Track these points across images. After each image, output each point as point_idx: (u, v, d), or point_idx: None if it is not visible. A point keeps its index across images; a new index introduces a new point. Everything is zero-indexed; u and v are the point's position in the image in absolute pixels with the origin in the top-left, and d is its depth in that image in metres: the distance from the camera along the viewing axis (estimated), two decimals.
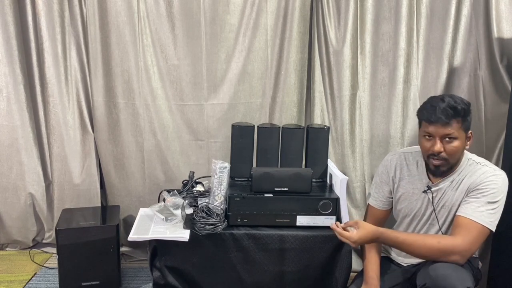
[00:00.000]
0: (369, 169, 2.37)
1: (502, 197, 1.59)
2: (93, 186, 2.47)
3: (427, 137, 1.62)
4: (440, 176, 1.68)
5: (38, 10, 2.30)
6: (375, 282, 1.73)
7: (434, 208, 1.71)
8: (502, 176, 1.61)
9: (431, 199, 1.71)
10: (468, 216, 1.57)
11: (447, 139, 1.58)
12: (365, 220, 1.92)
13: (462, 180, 1.66)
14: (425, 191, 1.72)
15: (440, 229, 1.71)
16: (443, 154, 1.59)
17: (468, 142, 1.65)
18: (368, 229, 1.58)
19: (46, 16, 2.31)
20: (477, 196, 1.59)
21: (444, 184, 1.69)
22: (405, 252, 1.62)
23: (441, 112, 1.55)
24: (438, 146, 1.58)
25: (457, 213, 1.62)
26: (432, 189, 1.70)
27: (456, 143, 1.58)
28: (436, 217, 1.71)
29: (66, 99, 2.42)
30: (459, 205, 1.64)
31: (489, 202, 1.56)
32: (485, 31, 2.20)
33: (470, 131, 1.64)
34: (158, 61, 2.35)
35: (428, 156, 1.64)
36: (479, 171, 1.63)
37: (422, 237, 1.62)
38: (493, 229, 1.57)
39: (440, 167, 1.63)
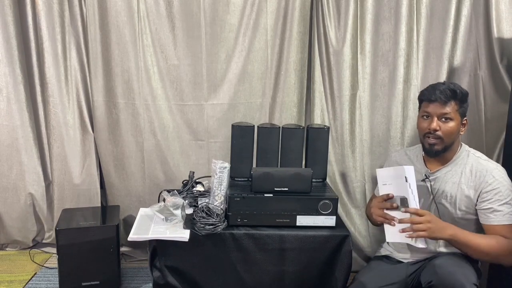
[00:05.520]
0: (369, 169, 2.36)
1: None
2: (93, 186, 2.48)
3: (425, 117, 1.73)
4: (433, 156, 1.75)
5: (38, 10, 2.30)
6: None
7: (434, 197, 1.75)
8: (504, 171, 1.69)
9: (429, 187, 1.76)
10: (501, 223, 1.62)
11: (443, 119, 1.68)
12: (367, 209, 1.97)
13: (462, 170, 1.71)
14: (423, 180, 1.77)
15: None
16: (439, 132, 1.68)
17: (463, 129, 1.73)
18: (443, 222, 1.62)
19: (46, 16, 2.31)
20: (497, 199, 1.63)
21: (441, 173, 1.75)
22: (471, 254, 1.63)
23: (441, 92, 1.67)
24: (434, 124, 1.67)
25: (490, 223, 1.64)
26: (430, 178, 1.76)
27: (451, 124, 1.67)
28: (436, 206, 1.74)
29: (66, 99, 2.42)
30: (465, 197, 1.68)
31: (507, 203, 1.63)
32: (485, 31, 2.21)
33: (465, 118, 1.72)
34: (158, 61, 2.35)
35: (424, 135, 1.72)
36: (483, 168, 1.68)
37: (482, 238, 1.63)
38: None
39: (434, 146, 1.70)
